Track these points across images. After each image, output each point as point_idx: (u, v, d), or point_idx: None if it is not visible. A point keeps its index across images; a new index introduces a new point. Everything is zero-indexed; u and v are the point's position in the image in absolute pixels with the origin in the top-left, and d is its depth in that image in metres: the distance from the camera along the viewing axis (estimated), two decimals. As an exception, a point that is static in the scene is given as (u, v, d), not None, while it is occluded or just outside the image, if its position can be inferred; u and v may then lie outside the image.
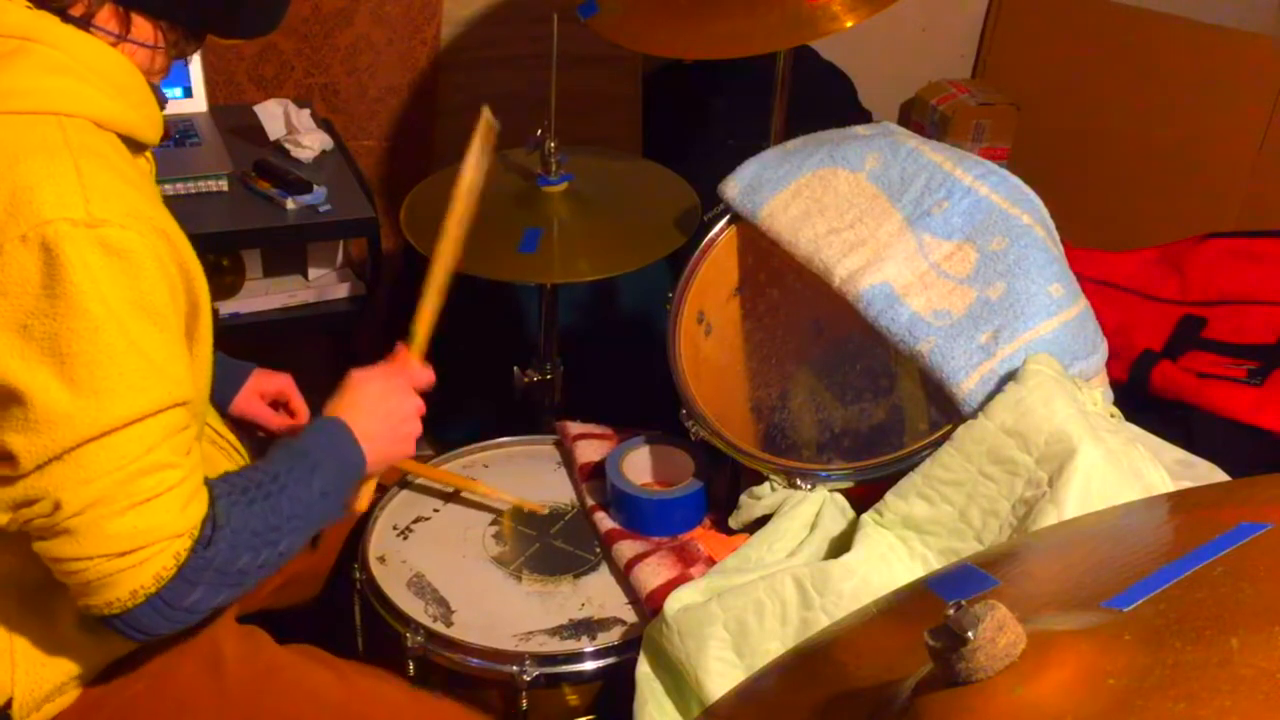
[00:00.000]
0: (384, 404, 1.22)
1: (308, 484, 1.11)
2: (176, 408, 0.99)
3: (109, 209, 0.94)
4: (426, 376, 1.28)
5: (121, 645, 1.14)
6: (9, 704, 1.08)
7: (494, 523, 1.47)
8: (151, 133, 1.08)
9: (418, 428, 1.25)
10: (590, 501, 1.48)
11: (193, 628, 1.16)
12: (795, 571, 1.17)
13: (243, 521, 1.04)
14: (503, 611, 1.33)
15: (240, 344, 1.46)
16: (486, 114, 1.32)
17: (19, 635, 1.08)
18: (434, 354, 1.37)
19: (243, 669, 1.19)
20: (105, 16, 1.03)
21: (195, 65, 2.06)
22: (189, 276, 1.04)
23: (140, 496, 0.96)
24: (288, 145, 2.02)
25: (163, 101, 1.10)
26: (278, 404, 1.44)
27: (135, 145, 1.07)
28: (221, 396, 1.40)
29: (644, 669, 1.21)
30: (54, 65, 0.99)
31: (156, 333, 0.98)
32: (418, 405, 1.26)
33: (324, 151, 2.04)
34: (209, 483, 1.04)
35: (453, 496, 1.51)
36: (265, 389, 1.43)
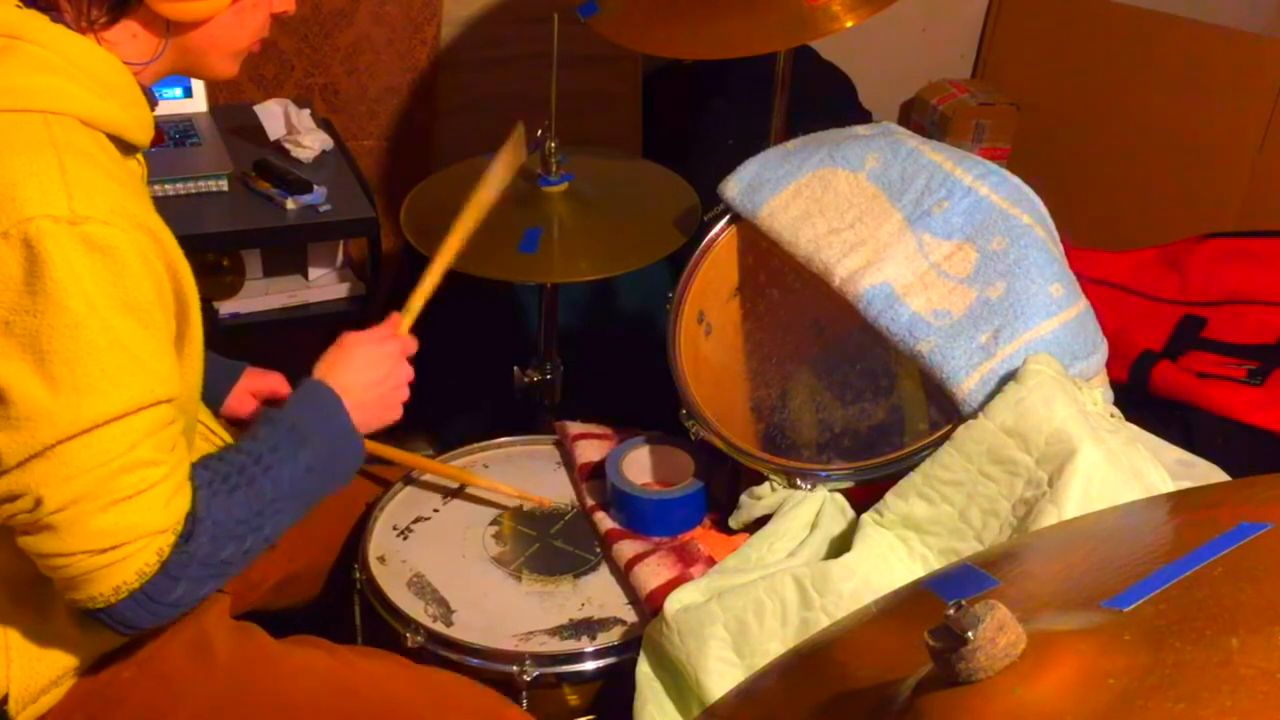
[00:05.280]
0: (376, 369, 1.22)
1: (294, 460, 1.09)
2: (160, 404, 0.99)
3: (93, 206, 0.94)
4: (413, 344, 1.28)
5: (114, 637, 1.14)
6: (5, 699, 1.08)
7: (494, 523, 1.47)
8: (141, 134, 1.07)
9: (406, 394, 1.25)
10: (590, 501, 1.48)
11: (184, 616, 1.17)
12: (795, 571, 1.17)
13: (225, 512, 1.03)
14: (503, 611, 1.33)
15: (240, 344, 1.46)
16: (520, 128, 1.45)
17: (13, 630, 1.08)
18: (435, 354, 1.38)
19: (233, 653, 1.19)
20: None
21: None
22: (177, 275, 1.03)
23: (122, 493, 0.96)
24: (288, 145, 2.02)
25: (153, 103, 1.09)
26: (270, 403, 1.44)
27: (125, 146, 1.06)
28: (213, 397, 1.40)
29: (644, 669, 1.21)
30: (41, 64, 0.99)
31: (140, 329, 0.97)
32: (408, 372, 1.25)
33: (324, 151, 2.04)
34: (190, 471, 1.03)
35: (453, 496, 1.51)
36: (258, 389, 1.43)
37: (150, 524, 0.98)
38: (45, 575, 1.01)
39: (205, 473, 1.05)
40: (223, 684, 1.17)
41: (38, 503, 0.95)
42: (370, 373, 1.21)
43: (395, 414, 1.24)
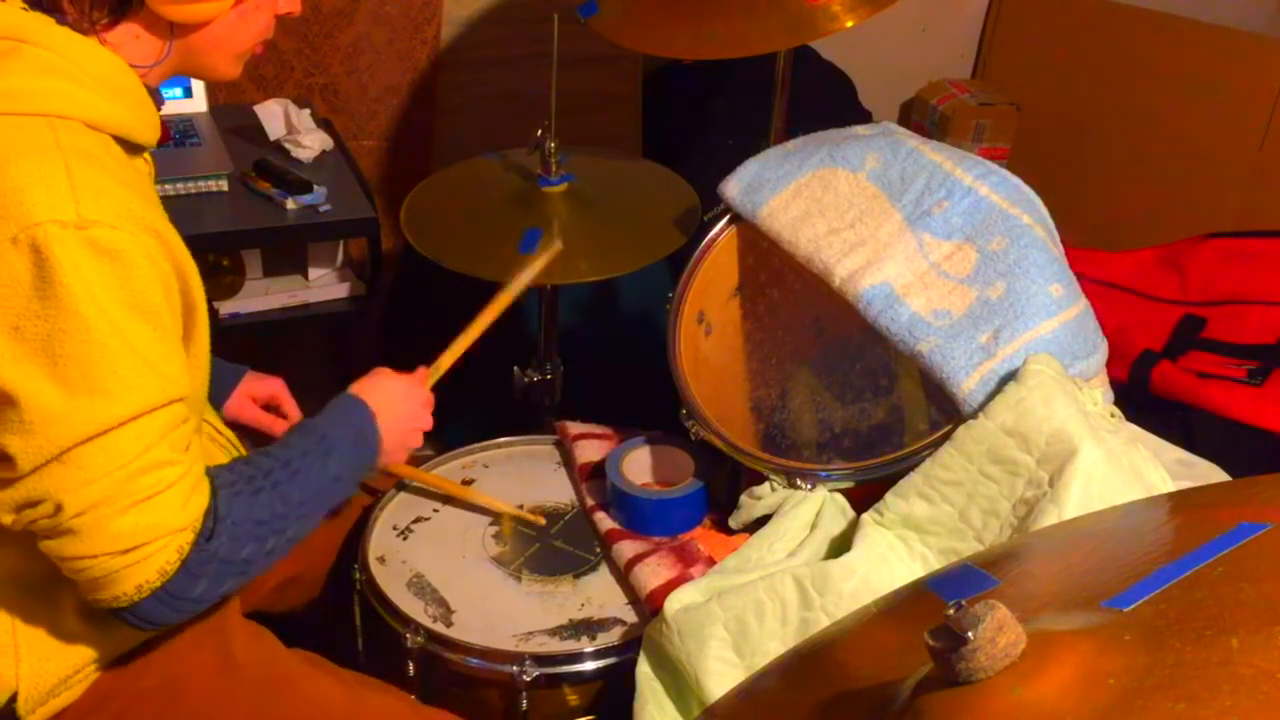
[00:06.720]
0: (406, 404, 1.27)
1: (322, 469, 1.12)
2: (173, 404, 1.00)
3: (100, 210, 0.94)
4: (432, 401, 1.34)
5: (127, 638, 1.15)
6: (14, 698, 1.08)
7: (494, 523, 1.47)
8: (148, 134, 1.07)
9: (419, 441, 1.30)
10: (590, 501, 1.48)
11: (201, 620, 1.17)
12: (795, 571, 1.17)
13: (246, 513, 1.04)
14: (503, 611, 1.33)
15: (240, 344, 1.46)
16: (558, 245, 1.52)
17: (23, 629, 1.09)
18: (435, 353, 1.39)
19: (254, 673, 1.20)
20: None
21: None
22: (184, 277, 1.04)
23: (141, 494, 0.97)
24: (288, 145, 2.02)
25: (159, 103, 1.10)
26: (269, 408, 1.44)
27: (132, 147, 1.06)
28: (215, 399, 1.40)
29: (644, 669, 1.21)
30: (46, 67, 0.99)
31: (150, 331, 0.98)
32: (428, 421, 1.32)
33: (324, 151, 2.04)
34: (211, 472, 1.05)
35: (452, 497, 1.51)
36: (257, 393, 1.44)
37: (170, 523, 0.98)
38: (58, 574, 1.01)
39: (230, 475, 1.06)
40: (242, 708, 1.18)
41: (58, 508, 0.95)
42: (400, 406, 1.26)
43: (403, 455, 1.29)
